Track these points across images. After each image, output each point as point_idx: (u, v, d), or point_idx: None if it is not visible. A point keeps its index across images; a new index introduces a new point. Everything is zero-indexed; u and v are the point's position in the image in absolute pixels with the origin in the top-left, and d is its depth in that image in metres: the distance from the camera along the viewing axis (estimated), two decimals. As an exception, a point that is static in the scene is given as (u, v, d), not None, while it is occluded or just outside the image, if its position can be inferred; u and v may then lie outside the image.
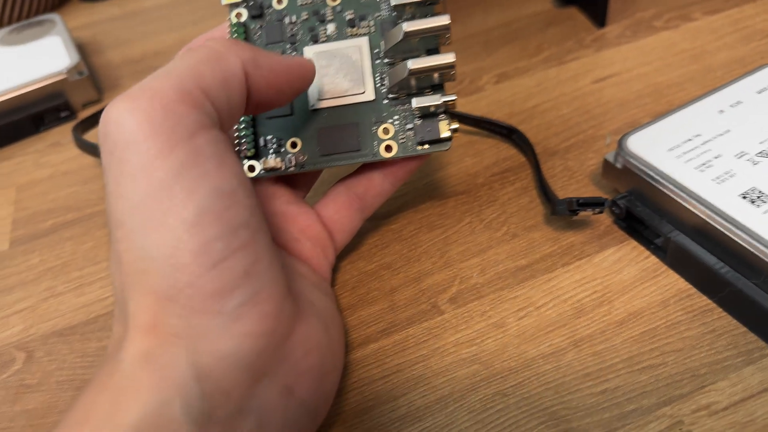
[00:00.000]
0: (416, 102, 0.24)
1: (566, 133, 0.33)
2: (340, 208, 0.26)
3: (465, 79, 0.38)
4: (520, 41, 0.41)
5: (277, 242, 0.24)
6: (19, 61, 0.42)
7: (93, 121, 0.38)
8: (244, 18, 0.25)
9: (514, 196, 0.30)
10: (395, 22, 0.24)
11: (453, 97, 0.24)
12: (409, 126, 0.25)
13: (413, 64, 0.22)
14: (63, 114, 0.41)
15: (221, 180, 0.18)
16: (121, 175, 0.17)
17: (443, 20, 0.22)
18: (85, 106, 0.42)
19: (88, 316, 0.28)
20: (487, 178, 0.31)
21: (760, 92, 0.29)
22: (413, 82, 0.23)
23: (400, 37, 0.22)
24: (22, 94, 0.39)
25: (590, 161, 0.31)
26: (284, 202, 0.25)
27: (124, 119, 0.17)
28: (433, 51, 0.24)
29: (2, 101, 0.39)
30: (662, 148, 0.27)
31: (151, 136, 0.17)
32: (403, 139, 0.25)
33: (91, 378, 0.18)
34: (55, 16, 0.47)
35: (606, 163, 0.28)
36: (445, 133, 0.24)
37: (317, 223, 0.26)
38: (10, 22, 0.55)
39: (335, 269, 0.28)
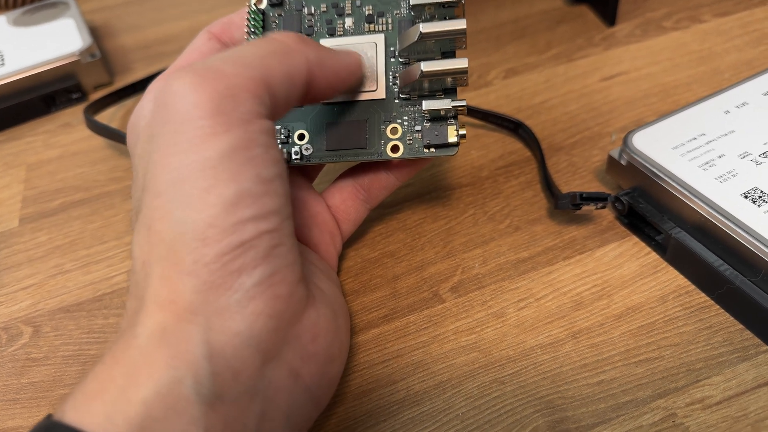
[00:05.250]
0: (426, 105, 0.24)
1: (572, 129, 0.33)
2: (346, 198, 0.27)
3: (474, 73, 0.38)
4: (530, 37, 0.41)
5: None
6: (32, 41, 0.42)
7: (104, 103, 0.39)
8: (263, 5, 0.25)
9: (518, 189, 0.31)
10: (413, 21, 0.24)
11: (463, 103, 0.24)
12: (418, 128, 0.25)
13: (426, 66, 0.22)
14: (74, 95, 0.41)
15: (264, 167, 0.18)
16: (173, 146, 0.18)
17: (460, 24, 0.22)
18: (97, 88, 0.42)
19: (95, 294, 0.29)
20: (492, 171, 0.32)
21: (766, 94, 0.29)
22: (425, 84, 0.24)
23: (416, 37, 0.22)
24: (34, 74, 0.40)
25: (595, 158, 0.32)
26: (296, 187, 0.26)
27: (187, 93, 0.18)
28: (448, 54, 0.24)
29: (15, 81, 0.39)
30: (667, 146, 0.27)
31: (209, 115, 0.18)
32: (410, 140, 0.25)
33: (106, 351, 0.18)
34: (68, -1, 0.47)
35: (610, 159, 0.28)
36: (452, 138, 0.24)
37: (326, 211, 0.26)
38: (24, 4, 0.55)
39: (340, 256, 0.28)
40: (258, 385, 0.18)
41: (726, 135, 0.27)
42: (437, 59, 0.23)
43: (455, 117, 0.24)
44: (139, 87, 0.41)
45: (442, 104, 0.23)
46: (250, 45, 0.20)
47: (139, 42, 0.47)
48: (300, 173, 0.27)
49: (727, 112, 0.29)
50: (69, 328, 0.27)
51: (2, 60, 0.41)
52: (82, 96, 0.41)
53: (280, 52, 0.20)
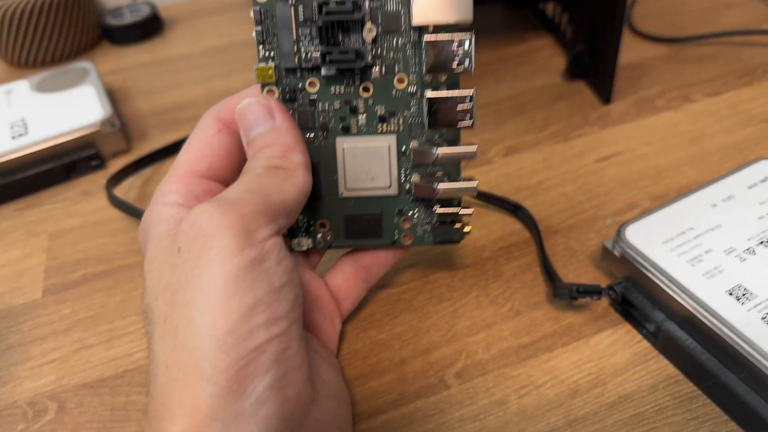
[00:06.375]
0: (438, 210, 0.27)
1: (569, 211, 0.35)
2: (348, 278, 0.29)
3: (476, 150, 0.40)
4: (529, 113, 0.43)
5: None
6: (54, 109, 0.44)
7: (123, 174, 0.41)
8: (276, 97, 0.26)
9: (518, 272, 0.32)
10: (422, 83, 0.26)
11: (470, 212, 0.27)
12: (427, 221, 0.28)
13: (441, 151, 0.25)
14: (93, 163, 0.43)
15: (276, 277, 0.21)
16: (200, 259, 0.20)
17: (471, 149, 0.25)
18: (115, 155, 0.44)
19: (117, 370, 0.30)
20: (494, 252, 0.34)
21: (750, 187, 0.31)
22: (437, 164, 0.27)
23: (431, 160, 0.25)
24: (56, 144, 0.42)
25: (591, 241, 0.33)
26: (299, 271, 0.28)
27: (216, 218, 0.20)
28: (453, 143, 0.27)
29: (38, 150, 0.41)
30: (657, 240, 0.29)
31: (232, 236, 0.20)
32: (420, 231, 0.28)
33: None
34: (88, 64, 0.50)
35: (605, 249, 0.30)
36: (458, 236, 0.28)
37: (327, 293, 0.28)
38: (43, 64, 0.57)
39: (348, 337, 0.30)
40: None
41: (713, 229, 0.29)
42: (449, 182, 0.26)
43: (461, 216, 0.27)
44: (156, 157, 0.42)
45: (452, 211, 0.26)
46: (270, 176, 0.23)
47: (154, 107, 0.49)
48: (304, 258, 0.29)
49: (714, 205, 0.31)
50: (93, 405, 0.29)
51: (26, 128, 0.43)
52: (101, 163, 0.43)
53: (291, 177, 0.23)
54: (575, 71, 0.45)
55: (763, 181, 0.32)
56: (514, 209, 0.35)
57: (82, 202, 0.41)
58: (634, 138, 0.40)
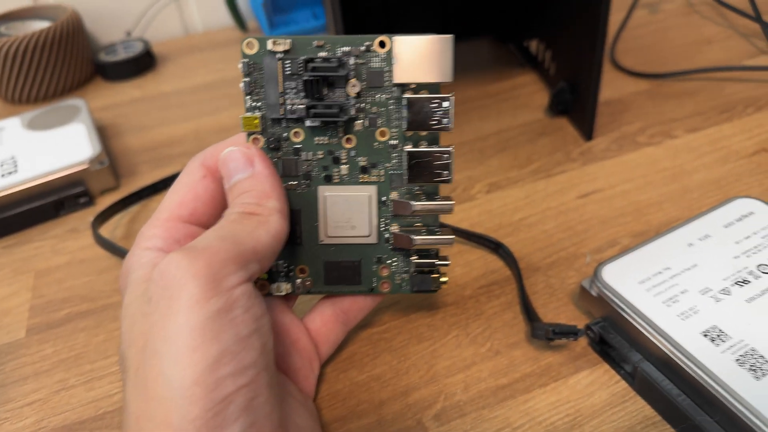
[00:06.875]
0: (415, 260, 0.28)
1: (549, 249, 0.36)
2: (327, 321, 0.29)
3: (458, 186, 0.41)
4: (512, 150, 0.44)
5: None
6: (44, 147, 0.45)
7: (110, 212, 0.41)
8: (260, 145, 0.27)
9: (499, 310, 0.33)
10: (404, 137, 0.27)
11: (447, 263, 0.28)
12: (405, 269, 0.28)
13: (417, 206, 0.26)
14: (82, 200, 0.43)
15: (243, 326, 0.21)
16: (168, 309, 0.20)
17: (448, 204, 0.26)
18: (104, 192, 0.45)
19: (97, 412, 0.30)
20: (475, 291, 0.34)
21: (726, 226, 0.32)
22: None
23: (409, 212, 0.26)
24: (45, 182, 0.42)
25: (570, 279, 0.34)
26: (278, 313, 0.28)
27: (184, 267, 0.21)
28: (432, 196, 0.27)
29: (26, 188, 0.42)
30: (633, 280, 0.29)
31: (198, 285, 0.20)
32: (398, 280, 0.28)
33: None
34: (80, 102, 0.50)
35: (582, 289, 0.30)
36: (435, 286, 0.28)
37: (306, 336, 0.28)
38: (37, 100, 0.58)
39: (328, 378, 0.30)
40: None
41: (689, 269, 0.30)
42: (426, 235, 0.27)
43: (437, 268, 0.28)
44: (143, 194, 0.43)
45: (429, 261, 0.27)
46: (241, 222, 0.23)
47: (145, 143, 0.50)
48: (284, 301, 0.29)
49: (691, 245, 0.31)
50: (71, 448, 0.29)
51: (15, 166, 0.43)
52: (90, 200, 0.44)
53: (264, 223, 0.23)
54: (558, 108, 0.45)
55: (739, 219, 0.32)
56: (496, 247, 0.35)
57: (69, 239, 0.41)
58: (615, 174, 0.40)
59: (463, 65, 0.55)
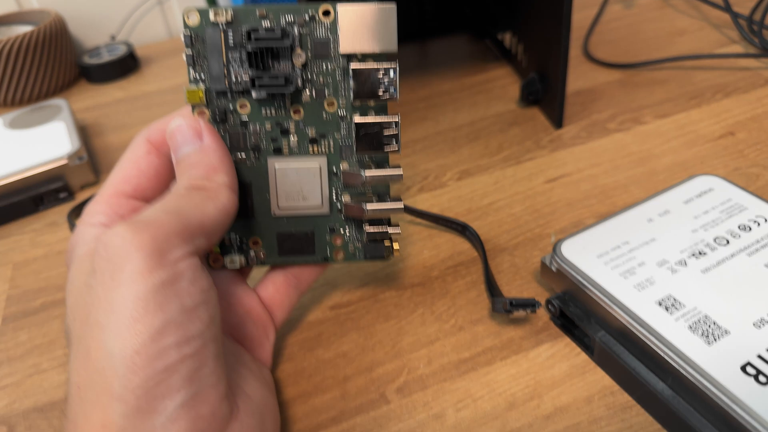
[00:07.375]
0: (367, 229, 0.28)
1: (516, 230, 0.36)
2: (279, 287, 0.29)
3: (430, 174, 0.41)
4: (484, 139, 0.44)
5: (223, 325, 0.26)
6: (25, 144, 0.46)
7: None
8: (206, 118, 0.27)
9: (464, 289, 0.33)
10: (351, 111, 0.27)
11: (398, 230, 0.28)
12: (358, 238, 0.29)
13: (369, 173, 0.26)
14: (61, 195, 0.44)
15: (189, 298, 0.21)
16: (112, 281, 0.21)
17: (397, 171, 0.27)
18: (83, 187, 0.46)
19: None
20: (442, 271, 0.34)
21: (686, 202, 0.32)
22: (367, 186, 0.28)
23: (359, 182, 0.27)
24: (25, 177, 0.43)
25: (535, 258, 0.34)
26: (231, 284, 0.28)
27: (128, 239, 0.21)
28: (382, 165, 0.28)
29: (7, 183, 0.43)
30: (592, 255, 0.30)
31: (142, 258, 0.20)
32: (351, 248, 0.29)
33: None
34: (62, 102, 0.51)
35: (543, 265, 0.31)
36: (386, 253, 0.29)
37: (259, 305, 0.29)
38: (21, 102, 0.59)
39: (295, 356, 0.31)
40: None
41: (647, 243, 0.30)
42: (377, 201, 0.27)
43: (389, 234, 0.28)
44: (121, 187, 0.44)
45: (381, 230, 0.27)
46: (190, 196, 0.23)
47: (126, 141, 0.51)
48: (237, 274, 0.29)
49: (650, 220, 0.32)
50: (42, 428, 0.29)
51: (-4, 163, 0.44)
52: (69, 195, 0.44)
53: (213, 197, 0.23)
54: (528, 97, 0.46)
55: (699, 195, 0.33)
56: (462, 229, 0.36)
57: (48, 233, 0.42)
58: (583, 159, 0.41)
59: (439, 61, 0.56)
